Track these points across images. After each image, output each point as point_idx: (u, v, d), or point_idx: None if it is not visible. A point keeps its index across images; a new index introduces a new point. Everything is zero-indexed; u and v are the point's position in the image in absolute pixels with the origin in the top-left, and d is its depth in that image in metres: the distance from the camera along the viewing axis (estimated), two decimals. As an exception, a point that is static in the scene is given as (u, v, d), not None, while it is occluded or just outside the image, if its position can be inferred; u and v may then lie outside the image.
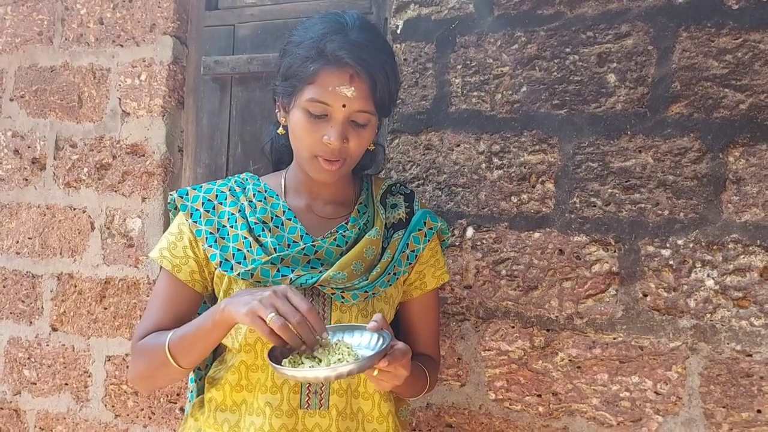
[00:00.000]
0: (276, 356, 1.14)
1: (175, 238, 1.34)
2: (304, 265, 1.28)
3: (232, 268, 1.28)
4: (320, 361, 1.11)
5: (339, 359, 1.10)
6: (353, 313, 1.29)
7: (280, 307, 1.08)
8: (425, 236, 1.38)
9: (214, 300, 1.38)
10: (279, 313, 1.08)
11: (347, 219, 1.35)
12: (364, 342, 1.17)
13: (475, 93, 1.67)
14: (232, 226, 1.31)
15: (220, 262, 1.29)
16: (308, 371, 1.08)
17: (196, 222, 1.32)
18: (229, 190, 1.36)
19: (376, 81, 1.24)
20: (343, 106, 1.23)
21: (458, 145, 1.69)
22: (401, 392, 1.36)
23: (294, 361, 1.13)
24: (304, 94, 1.25)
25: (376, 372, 1.12)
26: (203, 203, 1.34)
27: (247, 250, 1.28)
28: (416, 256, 1.37)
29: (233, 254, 1.29)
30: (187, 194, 1.35)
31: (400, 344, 1.14)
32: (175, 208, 1.36)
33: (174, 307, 1.32)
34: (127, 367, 2.09)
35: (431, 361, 1.45)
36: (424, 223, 1.38)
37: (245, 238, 1.29)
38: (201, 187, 1.38)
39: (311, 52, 1.24)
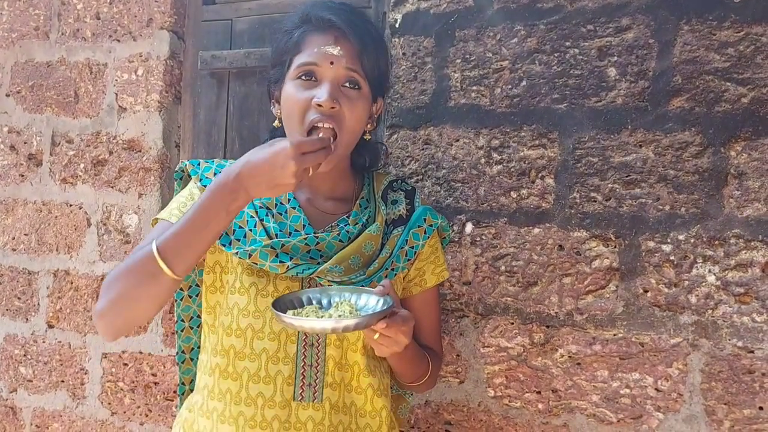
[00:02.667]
0: (281, 308, 1.15)
1: (186, 198, 1.30)
2: (304, 254, 1.27)
3: (230, 244, 1.26)
4: (322, 317, 1.13)
5: (340, 316, 1.12)
6: None
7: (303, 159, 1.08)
8: (425, 233, 1.37)
9: (193, 288, 1.39)
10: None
11: (348, 214, 1.34)
12: (370, 304, 1.18)
13: (474, 87, 1.66)
14: None
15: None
16: (312, 321, 1.09)
17: (205, 186, 1.27)
18: None
19: (364, 43, 1.25)
20: (331, 63, 1.23)
21: (457, 140, 1.67)
22: (401, 370, 1.34)
23: (296, 315, 1.14)
24: (293, 65, 1.26)
25: (377, 336, 1.13)
26: (215, 173, 1.31)
27: (250, 230, 1.27)
28: (415, 252, 1.36)
29: (234, 230, 1.27)
30: (198, 164, 1.34)
31: (403, 311, 1.15)
32: (181, 178, 1.36)
33: None
34: (125, 364, 2.08)
35: (433, 353, 1.44)
36: (425, 219, 1.38)
37: (251, 217, 1.28)
38: (213, 161, 1.36)
39: (295, 23, 1.27)
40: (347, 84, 1.25)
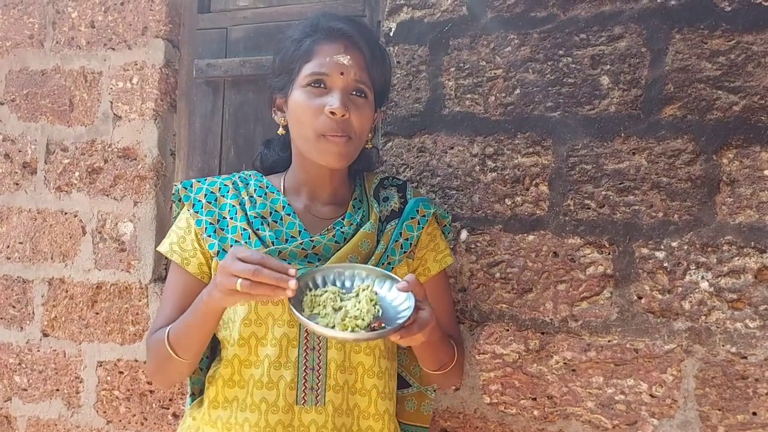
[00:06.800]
0: (302, 283, 1.15)
1: (184, 232, 1.36)
2: (302, 259, 1.29)
3: None
4: (340, 308, 1.13)
5: (356, 315, 1.11)
6: None
7: (237, 271, 1.08)
8: (419, 224, 1.39)
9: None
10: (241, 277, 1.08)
11: (343, 217, 1.36)
12: (392, 297, 1.17)
13: (468, 95, 1.67)
14: (231, 218, 1.33)
15: (218, 251, 1.30)
16: (328, 330, 1.09)
17: (197, 212, 1.35)
18: (233, 184, 1.39)
19: (372, 53, 1.30)
20: (341, 74, 1.27)
21: (452, 148, 1.68)
22: (425, 357, 1.35)
23: (313, 301, 1.14)
24: (302, 73, 1.29)
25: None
26: (206, 195, 1.37)
27: (245, 242, 1.29)
28: (410, 244, 1.38)
29: (231, 245, 1.30)
30: (191, 186, 1.38)
31: (424, 314, 1.13)
32: (179, 200, 1.38)
33: (184, 301, 1.32)
34: (121, 372, 2.08)
35: (456, 340, 1.46)
36: (417, 211, 1.40)
37: (244, 230, 1.31)
38: (205, 179, 1.40)
39: (305, 31, 1.31)
40: (355, 92, 1.29)
